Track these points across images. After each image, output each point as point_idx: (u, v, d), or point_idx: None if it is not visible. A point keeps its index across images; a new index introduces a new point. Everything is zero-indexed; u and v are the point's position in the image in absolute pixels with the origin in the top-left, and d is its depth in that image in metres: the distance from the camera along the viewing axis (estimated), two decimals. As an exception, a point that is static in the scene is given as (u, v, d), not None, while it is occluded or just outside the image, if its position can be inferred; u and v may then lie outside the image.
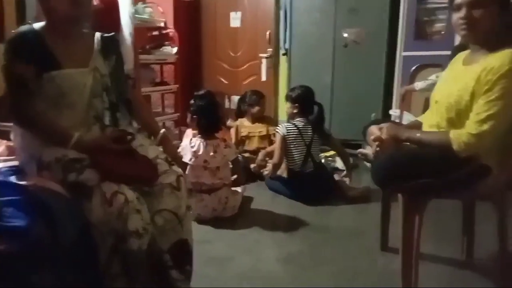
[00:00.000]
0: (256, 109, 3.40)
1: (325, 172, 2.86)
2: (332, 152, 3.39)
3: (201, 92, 2.43)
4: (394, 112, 3.20)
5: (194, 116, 2.38)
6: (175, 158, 1.64)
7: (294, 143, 2.72)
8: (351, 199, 2.67)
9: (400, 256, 1.51)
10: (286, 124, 2.80)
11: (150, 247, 1.41)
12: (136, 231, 1.33)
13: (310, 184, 2.69)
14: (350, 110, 3.68)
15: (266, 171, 2.90)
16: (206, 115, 2.36)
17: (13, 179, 1.40)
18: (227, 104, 4.52)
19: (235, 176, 2.55)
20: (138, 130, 1.70)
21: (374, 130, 1.58)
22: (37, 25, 1.44)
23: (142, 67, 3.49)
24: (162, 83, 3.88)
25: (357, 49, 3.63)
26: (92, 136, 1.44)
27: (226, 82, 4.54)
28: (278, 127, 2.79)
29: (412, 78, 3.21)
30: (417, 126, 1.63)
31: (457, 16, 1.38)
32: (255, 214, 2.54)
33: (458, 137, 1.33)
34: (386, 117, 3.43)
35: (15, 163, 1.49)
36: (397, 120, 2.92)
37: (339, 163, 3.26)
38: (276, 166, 2.75)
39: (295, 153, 2.72)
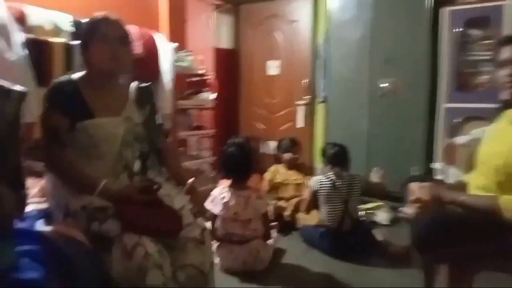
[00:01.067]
0: (288, 155, 3.34)
1: (364, 229, 2.67)
2: (372, 204, 3.23)
3: (235, 139, 2.39)
4: (437, 166, 3.03)
5: (225, 164, 2.35)
6: (201, 210, 1.60)
7: (328, 199, 2.57)
8: (391, 256, 2.46)
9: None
10: (319, 177, 2.67)
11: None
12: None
13: (347, 241, 2.52)
14: (388, 161, 3.53)
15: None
16: (237, 163, 2.31)
17: (39, 223, 1.41)
18: (263, 149, 4.52)
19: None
20: (167, 178, 1.68)
21: (415, 189, 1.47)
22: (76, 76, 1.50)
23: (180, 112, 3.57)
24: (200, 127, 3.94)
25: (395, 98, 3.54)
26: (119, 185, 1.43)
27: (263, 127, 4.57)
28: (310, 181, 2.68)
29: (456, 131, 3.05)
30: (461, 187, 1.50)
31: (504, 73, 1.29)
32: (286, 269, 2.40)
33: (509, 203, 1.20)
34: (427, 171, 3.25)
35: (46, 206, 1.51)
36: (440, 176, 2.74)
37: (379, 217, 3.09)
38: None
39: (330, 210, 2.57)
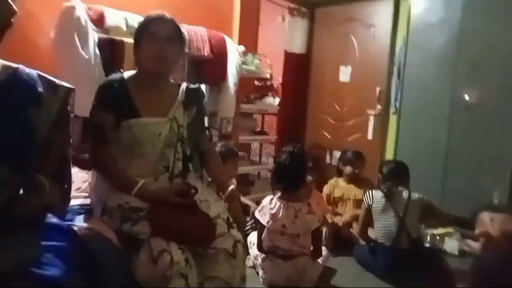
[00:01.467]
0: (348, 169, 3.12)
1: (429, 251, 2.43)
2: (442, 231, 2.89)
3: (290, 147, 2.26)
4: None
5: (276, 172, 2.24)
6: (237, 220, 1.51)
7: (383, 215, 2.40)
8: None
9: None
10: (374, 192, 2.49)
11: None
12: (177, 297, 1.22)
13: (403, 261, 2.28)
14: (468, 183, 3.12)
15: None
16: (287, 172, 2.18)
17: (79, 218, 1.44)
18: (328, 159, 4.32)
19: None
20: (208, 184, 1.63)
21: (485, 220, 1.24)
22: (127, 74, 1.51)
23: (243, 116, 3.55)
24: (262, 132, 3.88)
25: (481, 111, 3.12)
26: (157, 185, 1.41)
27: (329, 136, 4.37)
28: (364, 196, 2.50)
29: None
30: None
31: None
32: (335, 289, 2.23)
33: None
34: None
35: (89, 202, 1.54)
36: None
37: (448, 245, 2.75)
38: (357, 239, 2.48)
39: (383, 225, 2.38)
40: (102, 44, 2.47)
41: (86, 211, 1.47)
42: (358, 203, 3.00)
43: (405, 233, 2.33)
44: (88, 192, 1.59)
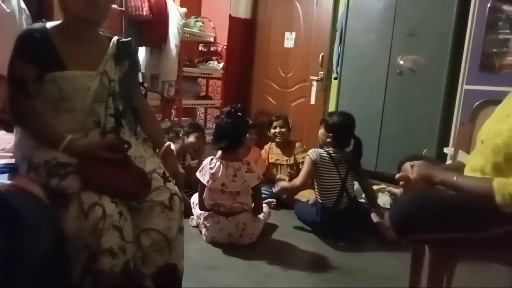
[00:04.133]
0: (272, 131, 3.25)
1: (361, 209, 2.56)
2: (376, 187, 3.09)
3: (230, 107, 2.27)
4: (448, 150, 2.83)
5: (215, 133, 2.25)
6: (174, 175, 1.51)
7: (327, 175, 2.44)
8: (389, 241, 2.32)
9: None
10: (319, 150, 2.51)
11: (129, 269, 1.28)
12: (110, 250, 1.21)
13: (343, 221, 2.42)
14: (400, 143, 3.33)
15: (279, 186, 2.62)
16: (228, 132, 2.20)
17: (3, 177, 1.36)
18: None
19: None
20: (144, 140, 1.60)
21: (406, 167, 1.33)
22: (50, 24, 1.41)
23: (187, 79, 3.48)
24: (207, 97, 3.84)
25: (413, 77, 3.31)
26: (87, 140, 1.36)
27: (274, 102, 4.42)
28: (310, 151, 2.52)
29: (474, 115, 2.82)
30: (459, 167, 1.35)
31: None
32: (275, 245, 2.32)
33: (503, 187, 1.05)
34: (440, 155, 3.06)
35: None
36: (450, 161, 2.56)
37: (381, 199, 2.95)
38: (296, 190, 2.51)
39: (329, 186, 2.43)
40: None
41: (11, 169, 1.40)
42: (291, 167, 3.13)
43: (346, 194, 2.44)
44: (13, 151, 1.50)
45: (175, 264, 1.42)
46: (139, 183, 1.36)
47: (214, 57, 3.74)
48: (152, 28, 3.11)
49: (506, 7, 2.91)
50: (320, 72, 4.00)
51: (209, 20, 3.98)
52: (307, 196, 2.74)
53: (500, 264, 1.32)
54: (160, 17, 3.13)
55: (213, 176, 2.16)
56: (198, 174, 2.23)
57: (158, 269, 1.38)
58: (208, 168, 2.19)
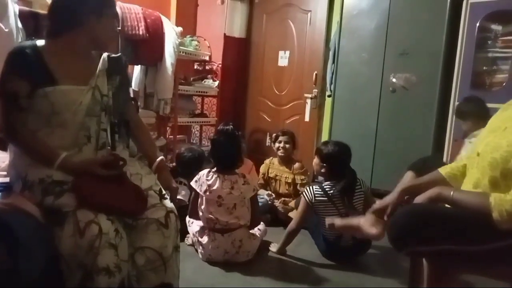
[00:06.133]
0: (276, 146, 3.22)
1: (366, 244, 2.35)
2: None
3: (224, 126, 2.29)
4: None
5: (213, 153, 2.26)
6: (167, 189, 1.51)
7: (325, 212, 2.27)
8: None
9: None
10: (314, 188, 2.32)
11: (124, 288, 1.26)
12: (107, 268, 1.20)
13: (346, 257, 2.33)
14: (395, 160, 3.35)
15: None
16: (222, 151, 2.23)
17: (-3, 196, 1.35)
18: (267, 142, 4.40)
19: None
20: (139, 157, 1.60)
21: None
22: (40, 41, 1.41)
23: (182, 97, 3.50)
24: (202, 114, 3.86)
25: (406, 95, 3.35)
26: (81, 157, 1.36)
27: (269, 119, 4.45)
28: (304, 191, 2.37)
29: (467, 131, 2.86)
30: (435, 179, 1.37)
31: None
32: (272, 262, 2.30)
33: (500, 203, 1.06)
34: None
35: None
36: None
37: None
38: (293, 233, 2.34)
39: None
40: (25, 18, 2.31)
41: (6, 188, 1.39)
42: (289, 185, 3.13)
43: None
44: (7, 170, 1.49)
45: (170, 284, 1.39)
46: (135, 200, 1.35)
47: (209, 76, 3.78)
48: (148, 47, 3.14)
49: (494, 26, 3.00)
50: (314, 90, 4.05)
51: (204, 39, 4.04)
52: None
53: (497, 279, 1.32)
54: (156, 36, 3.17)
55: (209, 187, 2.17)
56: (193, 184, 2.24)
57: (153, 288, 1.36)
58: (205, 179, 2.21)
